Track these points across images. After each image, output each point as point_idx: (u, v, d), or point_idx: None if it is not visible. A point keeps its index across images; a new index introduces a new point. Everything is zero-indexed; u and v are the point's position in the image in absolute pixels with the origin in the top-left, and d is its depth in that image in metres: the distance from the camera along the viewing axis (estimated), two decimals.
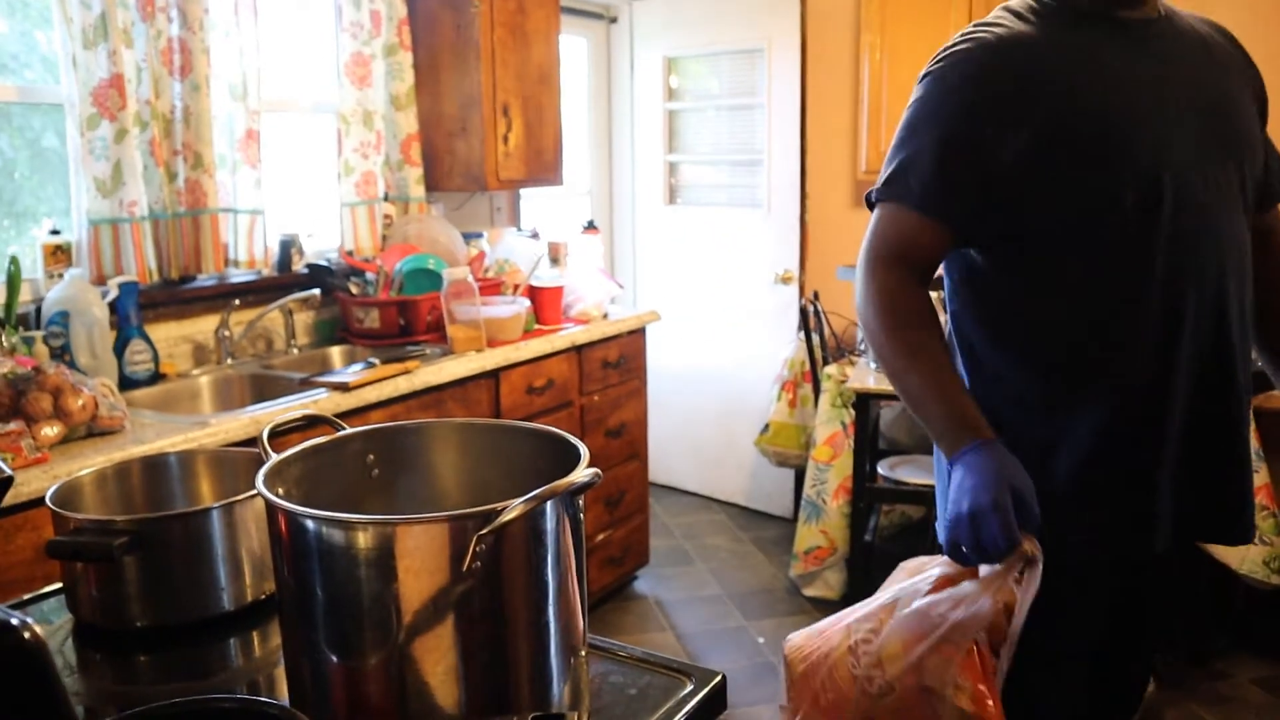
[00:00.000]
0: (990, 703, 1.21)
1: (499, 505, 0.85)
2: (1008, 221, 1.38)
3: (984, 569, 1.28)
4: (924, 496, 3.34)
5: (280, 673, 1.10)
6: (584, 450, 0.98)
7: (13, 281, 2.32)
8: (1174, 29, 1.44)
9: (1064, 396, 1.40)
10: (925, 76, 1.42)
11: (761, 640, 3.40)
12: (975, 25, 1.42)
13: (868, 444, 3.25)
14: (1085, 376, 1.39)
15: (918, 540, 3.70)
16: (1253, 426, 2.97)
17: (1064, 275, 1.38)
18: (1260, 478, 3.06)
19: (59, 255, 2.55)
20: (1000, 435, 1.33)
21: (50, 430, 2.02)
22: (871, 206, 1.48)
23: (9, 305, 2.32)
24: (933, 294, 2.22)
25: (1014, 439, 1.34)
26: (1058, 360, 1.41)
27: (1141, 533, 1.41)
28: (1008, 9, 1.44)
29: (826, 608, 3.62)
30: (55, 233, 2.57)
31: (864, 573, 3.24)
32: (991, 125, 1.34)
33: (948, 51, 1.41)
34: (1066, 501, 1.39)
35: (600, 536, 3.51)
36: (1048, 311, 1.40)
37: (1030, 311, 1.42)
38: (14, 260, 2.33)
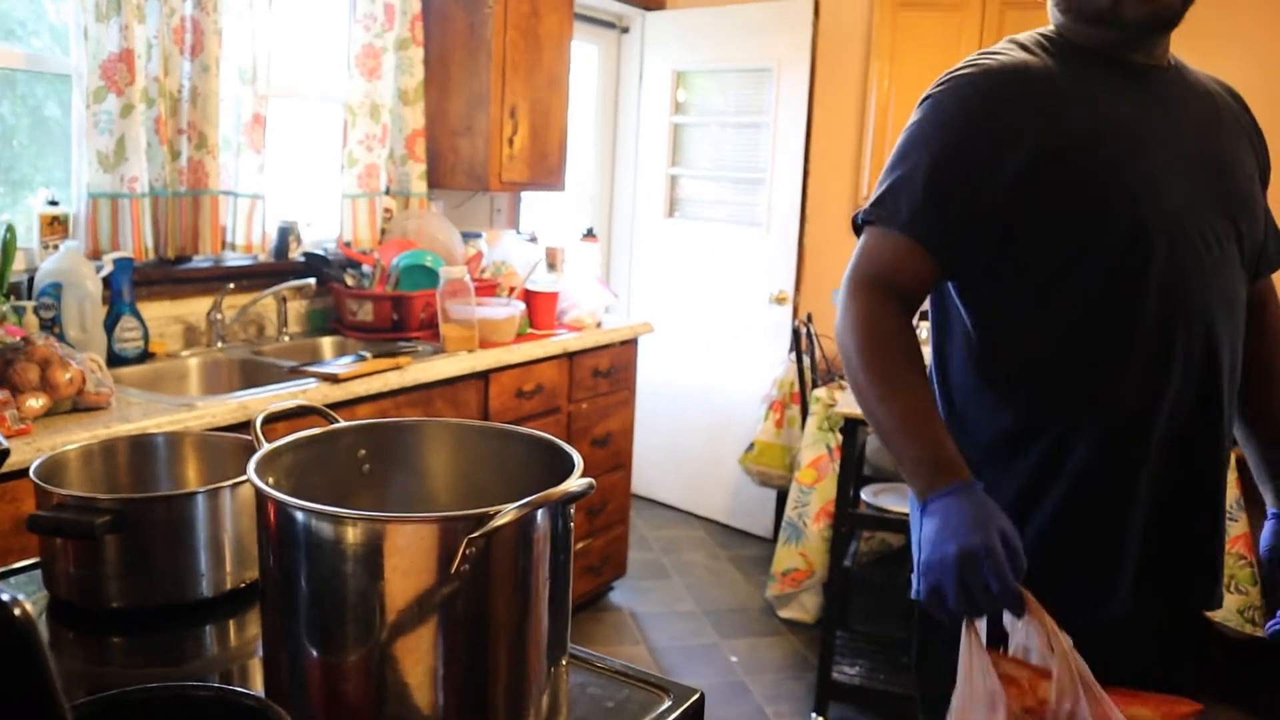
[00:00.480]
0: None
1: (491, 509, 0.84)
2: (995, 253, 1.33)
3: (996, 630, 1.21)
4: (906, 525, 3.33)
5: (255, 664, 1.09)
6: (578, 459, 0.98)
7: (7, 249, 2.31)
8: (1184, 82, 1.41)
9: (1042, 444, 1.34)
10: (924, 100, 1.39)
11: (734, 659, 3.39)
12: (980, 53, 1.39)
13: (853, 469, 3.25)
14: (1064, 424, 1.34)
15: (897, 569, 3.70)
16: (1234, 476, 3.01)
17: (1048, 315, 1.33)
18: (1239, 527, 3.07)
19: (55, 226, 2.54)
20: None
21: (35, 402, 2.00)
22: (858, 229, 1.43)
23: (2, 273, 2.30)
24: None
25: (988, 487, 1.28)
26: (1037, 404, 1.35)
27: (1105, 590, 1.35)
28: (1014, 40, 1.41)
29: (801, 630, 3.62)
30: (53, 203, 2.55)
31: (841, 598, 3.24)
32: (986, 151, 1.31)
33: (948, 77, 1.38)
34: (1038, 555, 1.30)
35: (579, 545, 3.50)
36: (1028, 352, 1.35)
37: (1011, 352, 1.37)
38: (10, 228, 2.32)
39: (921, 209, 1.32)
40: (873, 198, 1.39)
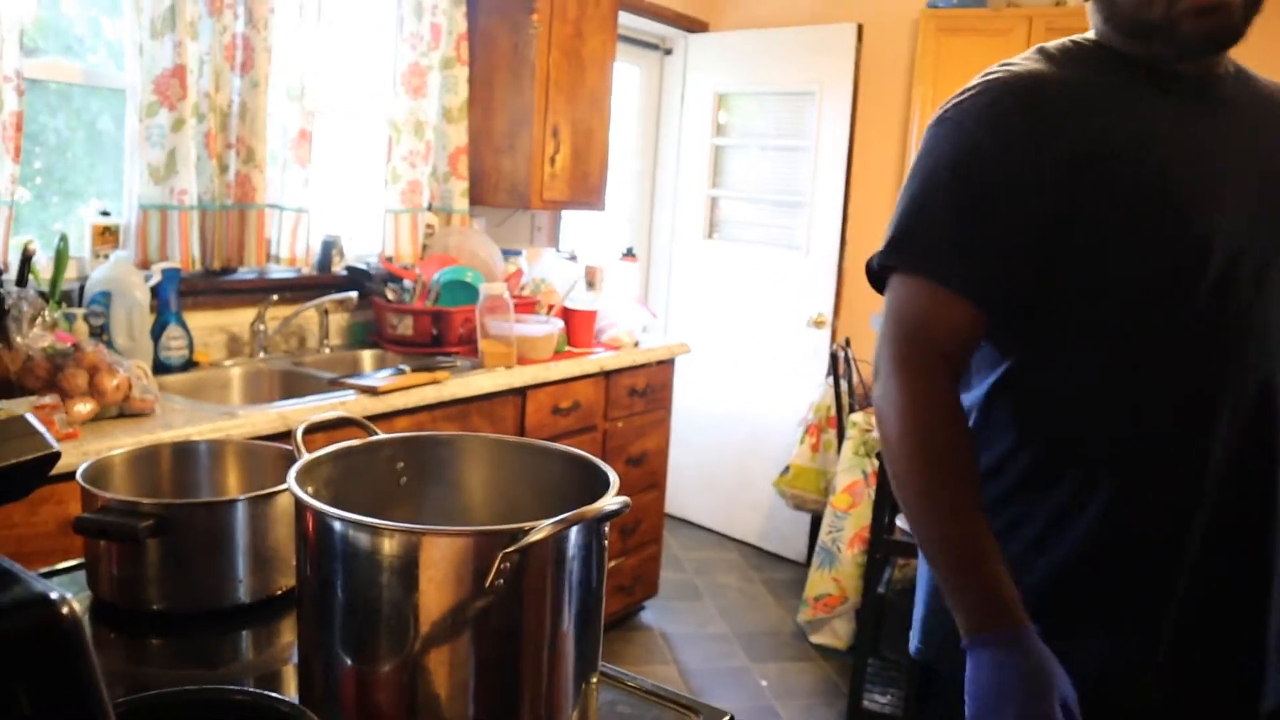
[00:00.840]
0: None
1: (527, 525, 0.85)
2: (1031, 285, 1.17)
3: None
4: None
5: (289, 670, 1.11)
6: (614, 477, 0.98)
7: (60, 258, 2.36)
8: (1245, 91, 1.23)
9: (1061, 491, 1.18)
10: (937, 124, 1.20)
11: (764, 683, 3.37)
12: (999, 65, 1.22)
13: (888, 495, 3.23)
14: (1085, 469, 1.17)
15: None
16: None
17: (1079, 349, 1.17)
18: None
19: (107, 236, 2.59)
20: None
21: (83, 407, 2.04)
22: (875, 276, 1.24)
23: (54, 281, 2.35)
24: None
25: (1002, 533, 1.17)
26: (1059, 447, 1.19)
27: (1130, 670, 1.17)
28: (1041, 49, 1.24)
29: (832, 656, 3.59)
30: (105, 214, 2.61)
31: (873, 625, 3.22)
32: (1016, 170, 1.14)
33: (962, 95, 1.20)
34: (1050, 615, 1.14)
35: (612, 563, 3.50)
36: (1053, 388, 1.19)
37: (1036, 386, 1.21)
38: (64, 238, 2.37)
39: (953, 248, 1.15)
40: (890, 238, 1.20)
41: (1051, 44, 1.25)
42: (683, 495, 4.74)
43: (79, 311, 2.40)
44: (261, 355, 2.92)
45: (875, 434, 3.28)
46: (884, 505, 3.12)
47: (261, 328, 2.92)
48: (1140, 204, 1.13)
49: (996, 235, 1.15)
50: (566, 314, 3.38)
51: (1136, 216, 1.13)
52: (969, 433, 1.19)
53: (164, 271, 2.58)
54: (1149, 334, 1.15)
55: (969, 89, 1.21)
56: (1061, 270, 1.16)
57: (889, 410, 1.17)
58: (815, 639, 3.68)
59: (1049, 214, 1.14)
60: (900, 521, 3.42)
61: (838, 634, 3.64)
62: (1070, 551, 1.17)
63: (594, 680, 0.98)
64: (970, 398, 1.27)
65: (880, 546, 3.15)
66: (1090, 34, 1.26)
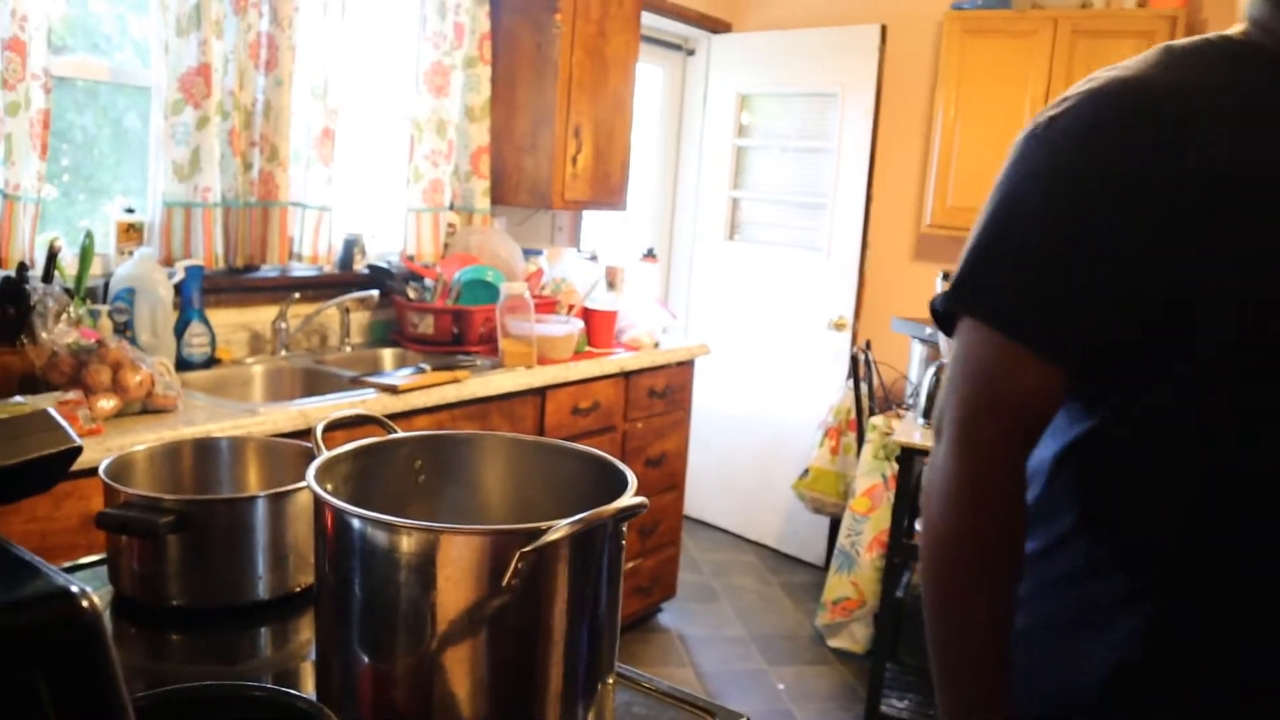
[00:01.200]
0: None
1: (544, 524, 0.85)
2: (1126, 339, 0.96)
3: None
4: None
5: (306, 667, 1.11)
6: (632, 477, 0.98)
7: (85, 255, 2.38)
8: None
9: (1117, 586, 1.00)
10: (1029, 138, 0.99)
11: (781, 687, 3.36)
12: (1106, 68, 0.99)
13: (908, 500, 3.22)
14: (1145, 569, 0.98)
15: None
16: None
17: (1162, 420, 0.97)
18: None
19: (131, 233, 2.61)
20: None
21: (107, 403, 2.06)
22: (942, 319, 1.04)
23: (80, 277, 2.37)
24: None
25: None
26: (1115, 545, 1.00)
27: None
28: (1167, 48, 0.99)
29: (850, 660, 3.57)
30: (130, 211, 2.63)
31: (892, 629, 3.20)
32: (1115, 203, 0.92)
33: (1061, 105, 0.98)
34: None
35: (630, 564, 3.50)
36: (1123, 470, 0.99)
37: (1101, 465, 1.01)
38: (89, 234, 2.39)
39: (1030, 292, 0.96)
40: (959, 275, 1.01)
41: (1180, 42, 1.01)
42: (701, 497, 4.73)
43: (103, 308, 2.42)
44: (283, 353, 2.94)
45: (895, 437, 3.27)
46: (903, 510, 3.11)
47: (283, 325, 2.94)
48: (1266, 254, 0.91)
49: (1092, 278, 0.94)
50: (587, 314, 3.39)
51: (1266, 249, 0.91)
52: (1019, 544, 1.02)
53: (187, 269, 2.60)
54: (1236, 428, 0.94)
55: (1067, 98, 0.99)
56: (1169, 314, 0.94)
57: (938, 485, 1.01)
58: (833, 643, 3.67)
59: (1156, 248, 0.92)
60: (920, 525, 3.40)
61: (855, 638, 3.63)
62: (1129, 643, 0.99)
63: (610, 681, 0.98)
64: (1036, 459, 1.05)
65: (899, 551, 3.14)
66: (1234, 29, 1.02)
